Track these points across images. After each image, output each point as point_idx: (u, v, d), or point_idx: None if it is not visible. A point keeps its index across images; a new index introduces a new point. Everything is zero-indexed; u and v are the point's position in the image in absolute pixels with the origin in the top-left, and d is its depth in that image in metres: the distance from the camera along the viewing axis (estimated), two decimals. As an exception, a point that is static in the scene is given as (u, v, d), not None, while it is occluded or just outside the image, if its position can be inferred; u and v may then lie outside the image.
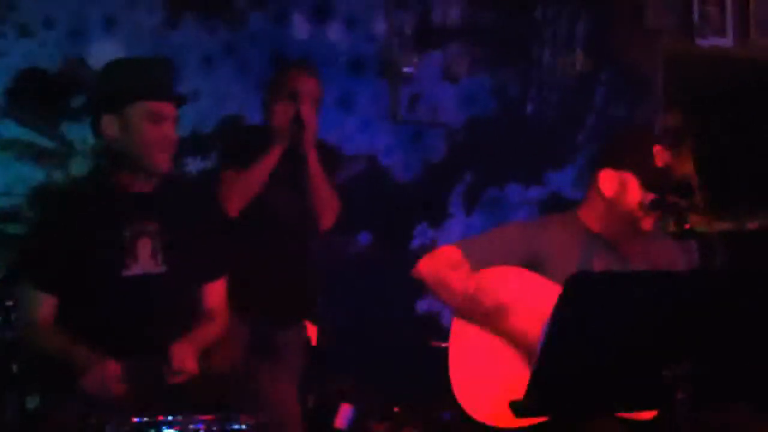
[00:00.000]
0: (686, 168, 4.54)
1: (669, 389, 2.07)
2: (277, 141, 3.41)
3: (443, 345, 2.62)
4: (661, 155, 2.62)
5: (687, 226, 2.53)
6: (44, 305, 2.65)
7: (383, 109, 4.55)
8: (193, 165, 4.10)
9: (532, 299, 2.53)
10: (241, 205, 3.37)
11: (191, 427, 2.27)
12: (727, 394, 2.22)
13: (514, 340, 2.54)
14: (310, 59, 3.70)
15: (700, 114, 4.94)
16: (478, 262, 2.64)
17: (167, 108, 2.69)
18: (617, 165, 2.65)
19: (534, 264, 2.62)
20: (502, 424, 2.44)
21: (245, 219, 3.40)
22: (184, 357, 2.59)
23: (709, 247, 2.64)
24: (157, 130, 2.65)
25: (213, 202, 3.22)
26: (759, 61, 5.06)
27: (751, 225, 3.49)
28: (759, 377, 2.18)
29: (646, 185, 2.61)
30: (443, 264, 2.66)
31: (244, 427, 2.31)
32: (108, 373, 2.48)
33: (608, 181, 2.66)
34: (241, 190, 3.36)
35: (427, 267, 2.69)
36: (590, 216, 2.72)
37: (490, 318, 2.55)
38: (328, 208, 3.46)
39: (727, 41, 4.87)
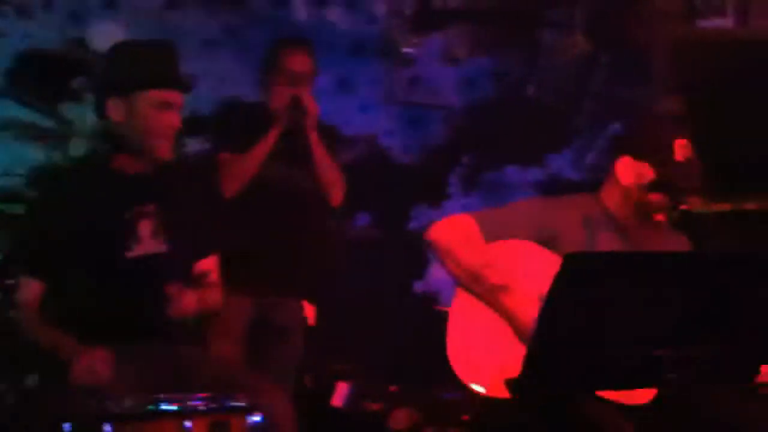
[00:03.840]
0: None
1: (659, 369, 2.08)
2: (275, 123, 3.42)
3: (446, 309, 2.62)
4: (682, 149, 2.57)
5: (684, 207, 2.52)
6: (30, 289, 2.61)
7: (383, 91, 4.55)
8: (192, 146, 4.11)
9: (537, 278, 2.50)
10: (238, 187, 3.38)
11: (189, 404, 2.28)
12: (715, 375, 2.22)
13: (510, 320, 2.55)
14: (304, 37, 3.69)
15: (700, 96, 4.93)
16: (492, 233, 2.62)
17: (175, 96, 2.66)
18: (636, 154, 2.62)
19: (547, 241, 2.60)
20: (493, 394, 2.46)
21: (244, 198, 3.41)
22: (181, 294, 2.55)
23: (705, 230, 2.63)
24: (164, 118, 2.63)
25: (210, 184, 3.22)
26: (760, 42, 5.04)
27: (750, 206, 3.48)
28: (745, 359, 2.20)
29: (663, 179, 2.57)
30: (456, 235, 2.62)
31: (242, 404, 2.33)
32: (96, 361, 2.41)
33: (626, 169, 2.63)
34: (239, 172, 3.38)
35: (439, 235, 2.65)
36: (608, 199, 2.70)
37: (490, 296, 2.56)
38: (335, 185, 3.51)
39: (727, 22, 4.87)
